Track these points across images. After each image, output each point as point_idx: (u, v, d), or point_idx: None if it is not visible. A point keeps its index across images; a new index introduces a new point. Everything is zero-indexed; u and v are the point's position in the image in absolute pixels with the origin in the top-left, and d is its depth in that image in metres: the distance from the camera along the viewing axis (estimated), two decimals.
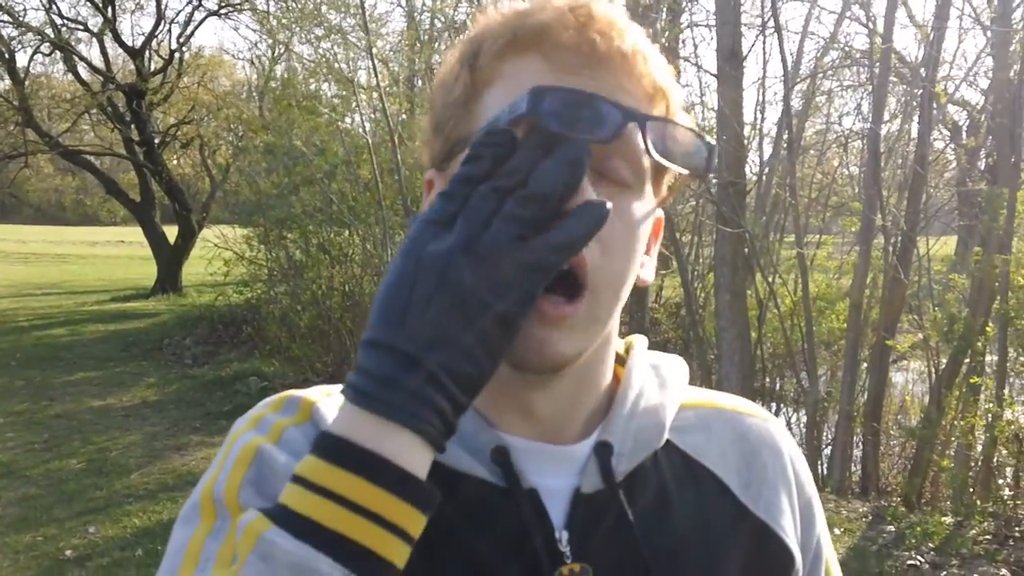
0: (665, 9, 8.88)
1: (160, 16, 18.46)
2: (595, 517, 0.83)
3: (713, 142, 0.80)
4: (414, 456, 0.66)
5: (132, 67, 18.72)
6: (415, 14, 13.18)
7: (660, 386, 0.92)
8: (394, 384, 0.66)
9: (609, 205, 0.70)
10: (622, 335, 0.94)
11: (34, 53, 18.48)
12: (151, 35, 18.53)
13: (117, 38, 18.83)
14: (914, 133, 9.34)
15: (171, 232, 19.14)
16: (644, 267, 0.86)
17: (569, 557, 0.81)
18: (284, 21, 13.29)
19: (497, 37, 0.79)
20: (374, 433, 0.65)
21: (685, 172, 0.79)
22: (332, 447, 0.66)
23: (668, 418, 0.89)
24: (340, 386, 0.76)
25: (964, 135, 9.35)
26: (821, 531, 0.96)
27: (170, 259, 18.77)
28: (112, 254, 33.94)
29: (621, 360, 0.94)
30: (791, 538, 0.90)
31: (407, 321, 0.66)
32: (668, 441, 0.89)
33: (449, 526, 0.80)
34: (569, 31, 0.77)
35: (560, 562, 0.80)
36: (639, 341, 0.97)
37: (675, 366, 0.97)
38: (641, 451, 0.87)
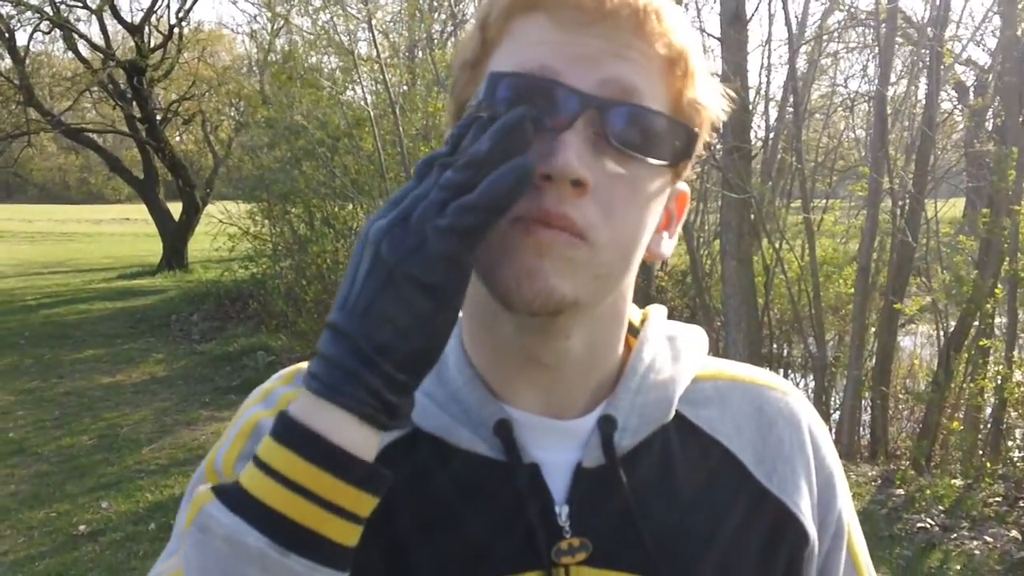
0: None
1: None
2: (596, 492, 0.82)
3: (697, 130, 0.79)
4: (348, 433, 0.66)
5: (132, 44, 18.60)
6: None
7: (673, 359, 0.90)
8: (329, 362, 0.67)
9: (534, 164, 0.69)
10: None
11: (33, 31, 18.36)
12: (150, 11, 18.39)
13: (116, 14, 18.71)
14: (921, 95, 9.28)
15: (175, 209, 19.13)
16: (660, 243, 0.85)
17: (568, 532, 0.80)
18: None
19: None
20: (311, 410, 0.67)
21: (656, 163, 0.77)
22: (279, 424, 0.68)
23: (677, 393, 0.87)
24: None
25: (971, 96, 9.26)
26: (843, 506, 0.93)
27: (175, 236, 18.78)
28: (117, 232, 33.95)
29: (636, 332, 0.92)
30: (805, 515, 0.88)
31: (348, 298, 0.68)
32: (680, 414, 0.88)
33: (447, 502, 0.81)
34: None
35: (559, 536, 0.80)
36: (656, 312, 0.95)
37: (693, 337, 0.94)
38: (647, 426, 0.85)
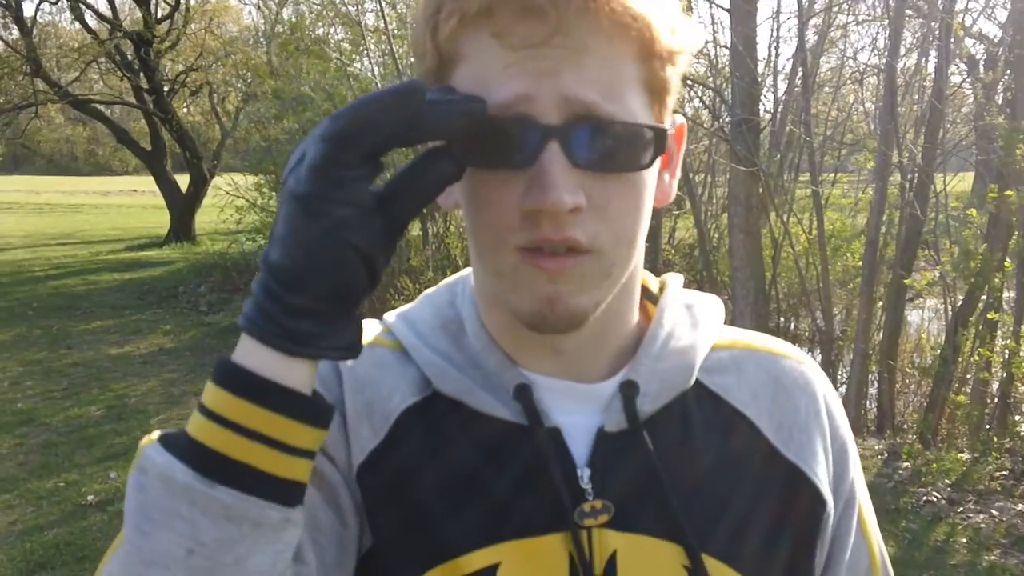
0: None
1: None
2: (618, 455, 0.83)
3: (660, 125, 0.77)
4: (266, 362, 0.68)
5: (139, 14, 18.53)
6: None
7: (692, 326, 0.91)
8: (251, 296, 0.71)
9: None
10: None
11: (41, 2, 18.35)
12: None
13: None
14: (931, 68, 9.20)
15: (183, 180, 19.12)
16: (664, 186, 0.85)
17: (591, 494, 0.81)
18: None
19: (449, 13, 0.74)
20: (239, 346, 0.70)
21: (627, 172, 0.76)
22: (215, 363, 0.70)
23: (698, 359, 0.88)
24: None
25: (982, 69, 9.16)
26: (855, 475, 0.94)
27: (183, 207, 18.78)
28: (125, 203, 33.95)
29: (654, 298, 0.93)
30: (823, 482, 0.89)
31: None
32: (698, 381, 0.88)
33: (469, 466, 0.82)
34: (515, 1, 0.71)
35: (582, 499, 0.81)
36: (674, 279, 0.96)
37: (710, 305, 0.95)
38: (668, 392, 0.86)
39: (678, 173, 0.88)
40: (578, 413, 0.84)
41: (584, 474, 0.82)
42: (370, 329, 0.91)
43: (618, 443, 0.83)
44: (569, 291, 0.75)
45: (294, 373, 0.68)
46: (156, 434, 0.70)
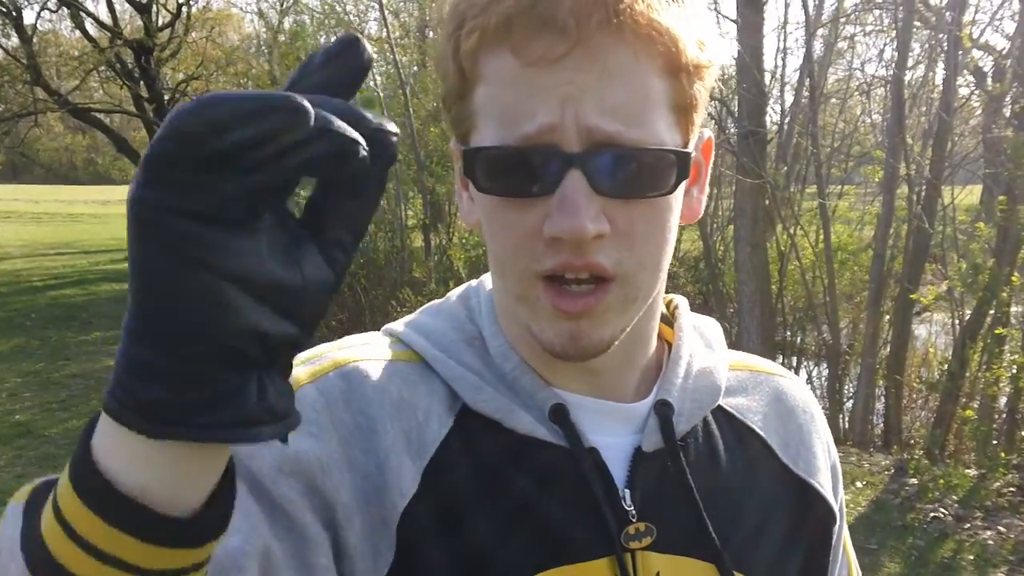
0: None
1: None
2: (656, 476, 0.83)
3: (683, 149, 0.75)
4: (112, 445, 0.50)
5: (139, 22, 18.55)
6: None
7: (707, 347, 0.93)
8: None
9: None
10: None
11: (41, 9, 18.39)
12: None
13: None
14: (939, 79, 9.19)
15: None
16: (692, 202, 0.84)
17: (634, 516, 0.81)
18: None
19: (470, 30, 0.73)
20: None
21: (653, 196, 0.74)
22: None
23: (722, 380, 0.90)
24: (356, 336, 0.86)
25: (989, 81, 9.15)
26: (841, 493, 0.97)
27: None
28: (124, 213, 33.93)
29: (666, 320, 0.94)
30: (830, 495, 0.93)
31: None
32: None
33: (517, 492, 0.80)
34: (534, 15, 0.69)
35: (627, 521, 0.80)
36: (682, 302, 0.97)
37: (714, 328, 0.97)
38: (699, 412, 0.87)
39: (707, 188, 0.86)
40: (613, 433, 0.84)
41: (626, 495, 0.81)
42: (378, 344, 0.86)
43: (654, 463, 0.83)
44: (591, 326, 0.75)
45: (161, 468, 0.50)
46: (30, 487, 0.57)
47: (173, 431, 0.48)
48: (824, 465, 0.94)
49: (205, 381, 0.48)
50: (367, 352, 0.83)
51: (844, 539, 0.97)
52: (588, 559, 0.79)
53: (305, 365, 0.81)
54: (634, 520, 0.80)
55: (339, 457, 0.76)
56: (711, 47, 0.76)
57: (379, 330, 0.91)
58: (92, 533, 0.50)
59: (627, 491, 0.81)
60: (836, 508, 0.93)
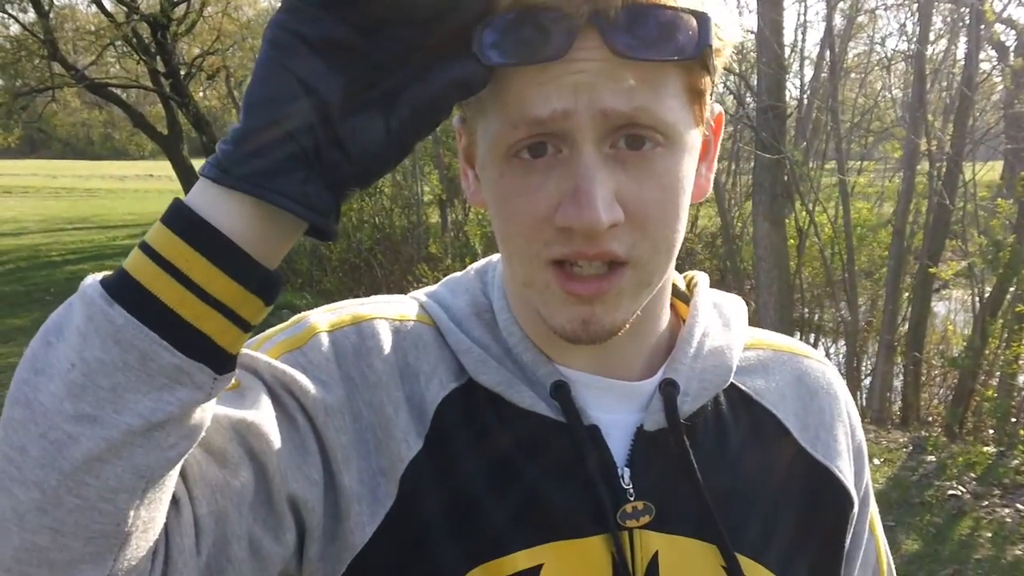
0: None
1: None
2: (657, 455, 0.82)
3: (702, 9, 0.69)
4: (202, 195, 0.65)
5: None
6: None
7: (724, 326, 0.91)
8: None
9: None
10: None
11: None
12: None
13: None
14: (960, 54, 9.08)
15: (199, 165, 19.06)
16: (701, 180, 0.82)
17: (632, 495, 0.80)
18: None
19: None
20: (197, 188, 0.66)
21: (673, 59, 0.69)
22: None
23: (734, 360, 0.88)
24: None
25: (1012, 56, 9.04)
26: (868, 476, 0.96)
27: None
28: (141, 188, 34.06)
29: (682, 296, 0.93)
30: (848, 480, 0.91)
31: None
32: (731, 382, 0.88)
33: (513, 464, 0.80)
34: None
35: (624, 500, 0.80)
36: (702, 278, 0.95)
37: (736, 305, 0.95)
38: (706, 392, 0.86)
39: (715, 165, 0.85)
40: (616, 411, 0.83)
41: (624, 474, 0.81)
42: (400, 305, 0.89)
43: (656, 442, 0.82)
44: (604, 310, 0.74)
45: (234, 216, 0.64)
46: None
47: (244, 186, 0.63)
48: (845, 449, 0.92)
49: (275, 156, 0.63)
50: (388, 311, 0.86)
51: (872, 523, 0.96)
52: (583, 536, 0.79)
53: (328, 313, 0.85)
54: (632, 499, 0.80)
55: (344, 406, 0.79)
56: (725, 29, 0.74)
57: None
58: (170, 250, 0.63)
59: (627, 469, 0.81)
60: (855, 493, 0.91)
